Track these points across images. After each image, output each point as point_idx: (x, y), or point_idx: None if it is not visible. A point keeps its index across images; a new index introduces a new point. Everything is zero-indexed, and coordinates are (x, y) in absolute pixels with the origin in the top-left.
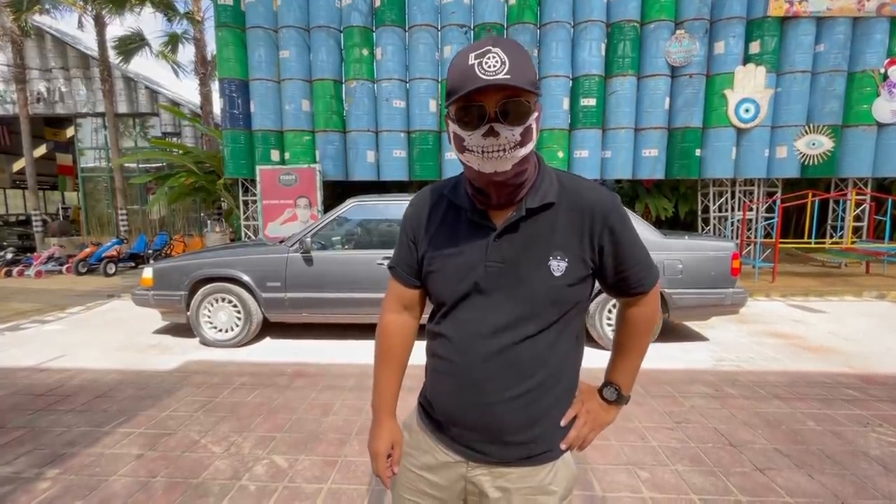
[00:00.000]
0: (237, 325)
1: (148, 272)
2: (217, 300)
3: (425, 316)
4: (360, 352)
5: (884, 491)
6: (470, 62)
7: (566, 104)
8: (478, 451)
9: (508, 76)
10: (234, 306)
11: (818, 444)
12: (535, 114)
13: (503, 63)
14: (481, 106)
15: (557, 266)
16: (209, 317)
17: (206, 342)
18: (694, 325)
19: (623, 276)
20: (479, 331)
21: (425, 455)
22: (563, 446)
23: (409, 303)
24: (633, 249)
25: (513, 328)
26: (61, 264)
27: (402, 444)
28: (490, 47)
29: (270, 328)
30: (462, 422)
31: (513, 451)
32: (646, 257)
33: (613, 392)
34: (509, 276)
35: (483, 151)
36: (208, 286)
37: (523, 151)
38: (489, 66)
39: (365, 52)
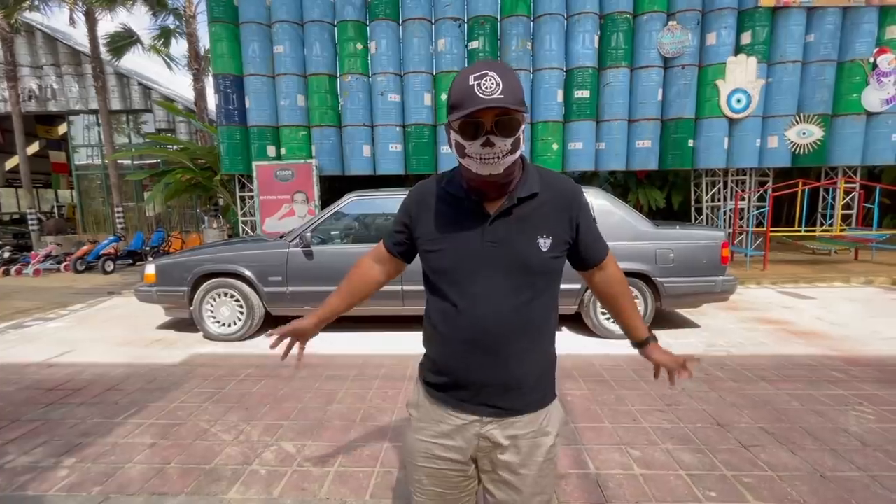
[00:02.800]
0: (240, 320)
1: (150, 268)
2: (220, 295)
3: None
4: (361, 342)
5: (860, 464)
6: (470, 83)
7: (560, 96)
8: (492, 405)
9: (502, 96)
10: (237, 301)
11: (801, 422)
12: (523, 126)
13: (498, 85)
14: (480, 121)
15: (544, 243)
16: (212, 311)
17: (209, 336)
18: (686, 313)
19: (591, 248)
20: (487, 298)
21: (438, 424)
22: (685, 376)
23: (382, 258)
24: (595, 227)
25: (513, 295)
26: (59, 262)
27: (411, 420)
28: (487, 71)
29: (272, 322)
30: (477, 380)
31: (519, 401)
32: (600, 234)
33: (653, 338)
34: (505, 252)
35: (481, 158)
36: (211, 281)
37: (512, 158)
38: (487, 88)
39: (359, 46)
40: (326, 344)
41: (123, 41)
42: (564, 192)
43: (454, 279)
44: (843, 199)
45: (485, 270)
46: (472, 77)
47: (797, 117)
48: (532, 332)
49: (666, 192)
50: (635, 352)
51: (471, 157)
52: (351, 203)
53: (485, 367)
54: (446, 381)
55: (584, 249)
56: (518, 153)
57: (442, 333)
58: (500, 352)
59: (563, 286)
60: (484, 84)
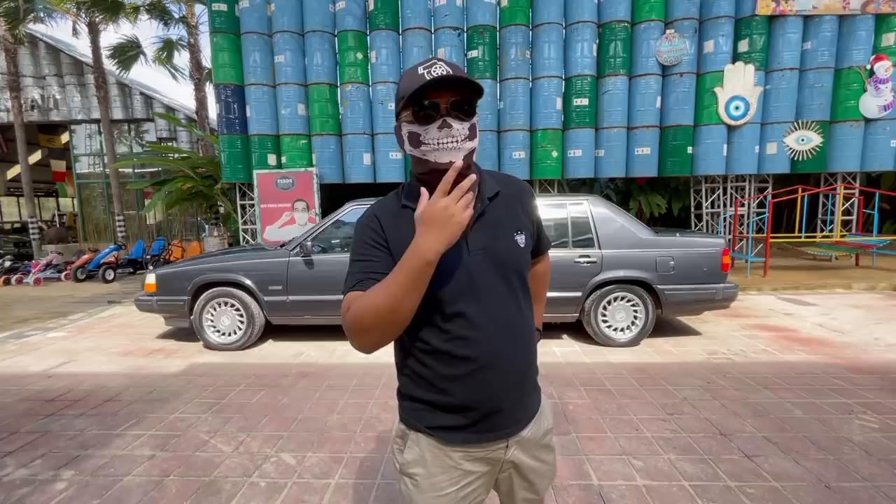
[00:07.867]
0: (240, 329)
1: (151, 278)
2: (220, 304)
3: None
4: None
5: (864, 474)
6: (419, 72)
7: (559, 104)
8: (517, 422)
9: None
10: (237, 310)
11: (804, 431)
12: (477, 115)
13: (448, 71)
14: (436, 103)
15: (521, 240)
16: (212, 321)
17: (209, 346)
18: (687, 321)
19: (541, 240)
20: (493, 315)
21: (455, 471)
22: None
23: None
24: (541, 221)
25: (513, 301)
26: (59, 271)
27: (416, 483)
28: (435, 60)
29: (272, 331)
30: (509, 403)
31: (532, 410)
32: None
33: (539, 334)
34: (493, 258)
35: (438, 143)
36: (211, 290)
37: (471, 145)
38: (437, 73)
39: (359, 55)
40: (326, 353)
41: (130, 52)
42: (519, 187)
43: (448, 306)
44: (843, 204)
45: (479, 284)
46: (420, 67)
47: (795, 124)
48: (529, 331)
49: (667, 199)
50: (637, 360)
51: (427, 146)
52: (351, 211)
53: (512, 389)
54: (475, 417)
55: (536, 241)
56: (476, 142)
57: (446, 374)
58: (517, 368)
59: (564, 294)
60: (434, 70)
